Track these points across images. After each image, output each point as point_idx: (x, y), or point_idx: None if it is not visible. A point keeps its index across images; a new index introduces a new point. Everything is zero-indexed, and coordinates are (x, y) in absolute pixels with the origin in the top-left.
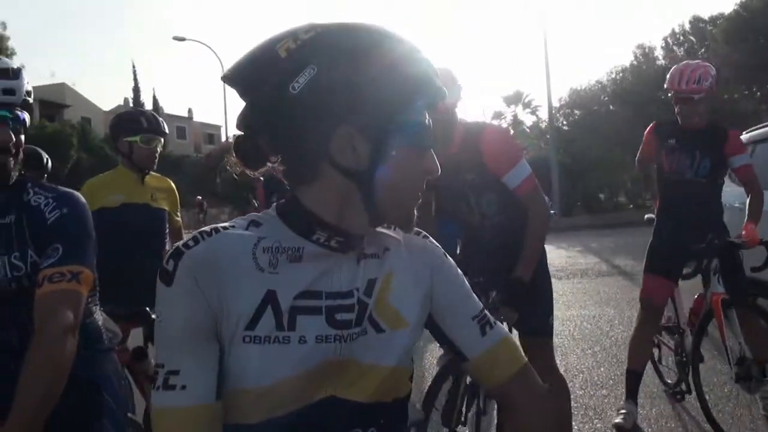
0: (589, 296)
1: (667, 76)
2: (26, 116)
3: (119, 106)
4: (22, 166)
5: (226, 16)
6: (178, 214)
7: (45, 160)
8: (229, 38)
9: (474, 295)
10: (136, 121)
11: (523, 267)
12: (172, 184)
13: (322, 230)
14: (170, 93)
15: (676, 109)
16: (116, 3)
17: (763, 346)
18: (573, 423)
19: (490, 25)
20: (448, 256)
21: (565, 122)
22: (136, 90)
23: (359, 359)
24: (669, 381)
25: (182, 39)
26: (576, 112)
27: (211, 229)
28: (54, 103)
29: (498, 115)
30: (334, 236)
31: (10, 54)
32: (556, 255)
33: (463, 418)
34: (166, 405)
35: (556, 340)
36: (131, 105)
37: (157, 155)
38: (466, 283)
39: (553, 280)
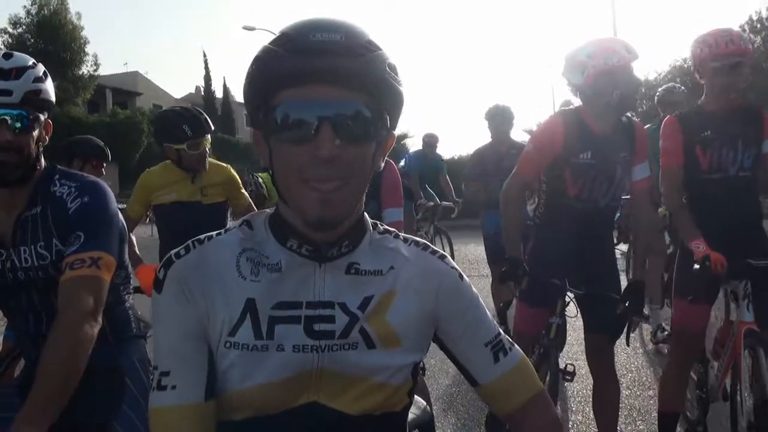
0: None
1: (697, 46)
2: (35, 115)
3: (190, 94)
4: (28, 161)
5: (294, 6)
6: (242, 193)
7: (105, 149)
8: None
9: (489, 319)
10: (178, 129)
11: (641, 268)
12: (229, 171)
13: (293, 237)
14: (241, 81)
15: (710, 86)
16: None
17: None
18: None
19: (559, 13)
20: (464, 278)
21: (634, 114)
22: (207, 78)
23: (343, 371)
24: (690, 416)
25: (252, 29)
26: (645, 102)
27: (205, 237)
28: (127, 91)
29: (566, 104)
30: (304, 244)
31: (83, 44)
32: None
33: None
34: (159, 404)
35: None
36: (202, 93)
37: (206, 155)
38: (482, 307)
39: None
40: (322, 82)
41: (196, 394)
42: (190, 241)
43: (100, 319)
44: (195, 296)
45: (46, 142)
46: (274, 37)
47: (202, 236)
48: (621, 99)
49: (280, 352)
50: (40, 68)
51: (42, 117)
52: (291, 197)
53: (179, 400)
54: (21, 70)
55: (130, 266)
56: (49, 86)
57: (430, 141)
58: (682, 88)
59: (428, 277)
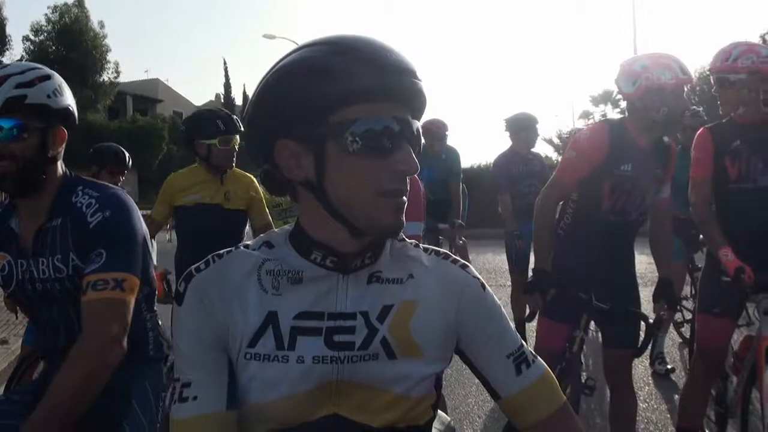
0: None
1: (723, 57)
2: (26, 122)
3: (210, 101)
4: (29, 170)
5: (314, 15)
6: (265, 209)
7: (126, 156)
8: (317, 36)
9: (512, 330)
10: (212, 123)
11: (667, 267)
12: (253, 181)
13: (317, 250)
14: None
15: (735, 99)
16: (208, 2)
17: None
18: None
19: (578, 24)
20: (486, 288)
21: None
22: (227, 86)
23: (364, 382)
24: None
25: (272, 37)
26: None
27: (224, 252)
28: (147, 97)
29: (586, 115)
30: (328, 256)
31: (105, 51)
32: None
33: None
34: (180, 416)
35: None
36: (222, 101)
37: (235, 153)
38: (504, 318)
39: None
40: (395, 100)
41: (218, 404)
42: (210, 256)
43: (125, 345)
44: (215, 308)
45: (58, 151)
46: (326, 47)
47: (221, 251)
48: (667, 118)
49: (300, 363)
50: (30, 75)
51: (39, 125)
52: (358, 207)
53: (201, 410)
54: (4, 79)
55: (155, 280)
56: (43, 92)
57: (429, 131)
58: (705, 117)
59: (449, 287)
